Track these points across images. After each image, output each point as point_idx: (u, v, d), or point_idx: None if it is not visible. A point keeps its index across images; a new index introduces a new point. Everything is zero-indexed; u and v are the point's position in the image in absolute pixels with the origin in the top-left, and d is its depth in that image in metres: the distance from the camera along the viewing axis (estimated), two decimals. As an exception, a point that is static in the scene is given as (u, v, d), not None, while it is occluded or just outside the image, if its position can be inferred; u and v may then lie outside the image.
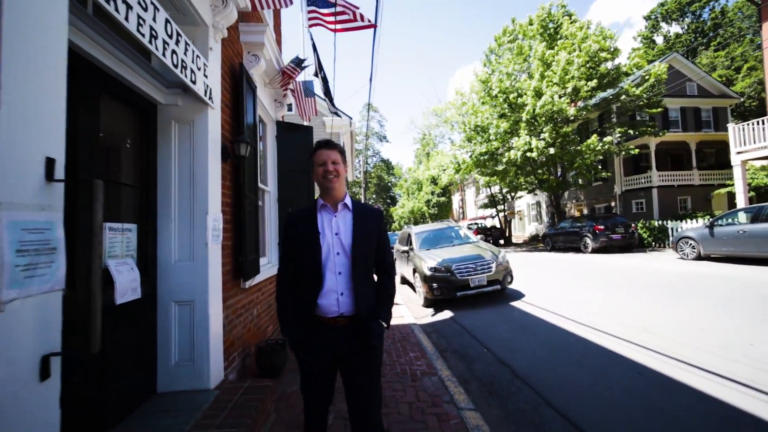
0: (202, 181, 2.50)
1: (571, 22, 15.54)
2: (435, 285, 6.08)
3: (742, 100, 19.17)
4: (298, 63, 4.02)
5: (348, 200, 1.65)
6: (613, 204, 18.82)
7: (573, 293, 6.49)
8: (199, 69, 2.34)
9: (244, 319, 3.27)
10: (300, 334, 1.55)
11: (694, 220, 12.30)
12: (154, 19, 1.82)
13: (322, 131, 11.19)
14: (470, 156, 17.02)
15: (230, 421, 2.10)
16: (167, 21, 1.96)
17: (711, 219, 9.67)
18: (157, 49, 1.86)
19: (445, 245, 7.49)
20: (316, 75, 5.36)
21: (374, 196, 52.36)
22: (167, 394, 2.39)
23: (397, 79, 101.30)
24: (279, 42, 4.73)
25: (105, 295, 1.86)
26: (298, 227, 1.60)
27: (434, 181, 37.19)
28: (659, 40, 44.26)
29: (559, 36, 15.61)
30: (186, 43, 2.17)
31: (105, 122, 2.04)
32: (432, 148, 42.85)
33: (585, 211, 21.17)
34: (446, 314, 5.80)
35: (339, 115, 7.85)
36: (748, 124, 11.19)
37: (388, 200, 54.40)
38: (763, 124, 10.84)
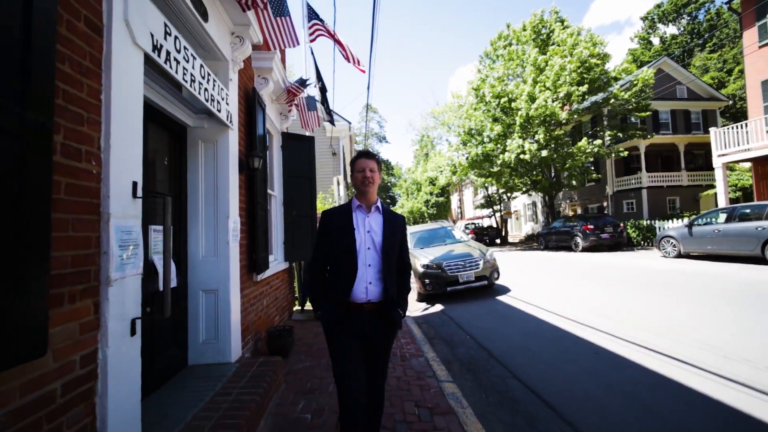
0: (223, 191, 3.01)
1: (563, 28, 16.04)
2: (427, 281, 6.59)
3: (731, 102, 19.65)
4: (302, 83, 4.54)
5: (380, 204, 1.87)
6: (605, 204, 19.34)
7: (555, 288, 7.00)
8: (222, 99, 2.86)
9: (256, 307, 3.78)
10: (334, 314, 1.75)
11: (680, 220, 12.80)
12: (193, 67, 2.33)
13: (323, 135, 11.71)
14: (466, 158, 17.54)
15: (250, 386, 2.61)
16: (201, 66, 2.47)
17: (690, 219, 10.18)
18: (194, 89, 2.37)
19: (437, 244, 7.99)
20: (315, 87, 5.88)
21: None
22: (197, 366, 2.90)
23: (396, 80, 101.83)
24: (283, 60, 5.24)
25: (150, 283, 2.36)
26: (334, 222, 1.82)
27: (432, 182, 37.66)
28: (656, 41, 44.71)
29: (551, 42, 16.11)
30: (214, 80, 2.68)
31: (150, 145, 2.55)
32: (430, 149, 43.33)
33: (579, 211, 21.69)
34: (437, 308, 6.31)
35: (334, 124, 8.32)
36: (729, 128, 11.70)
37: (388, 200, 54.93)
38: (744, 127, 11.34)
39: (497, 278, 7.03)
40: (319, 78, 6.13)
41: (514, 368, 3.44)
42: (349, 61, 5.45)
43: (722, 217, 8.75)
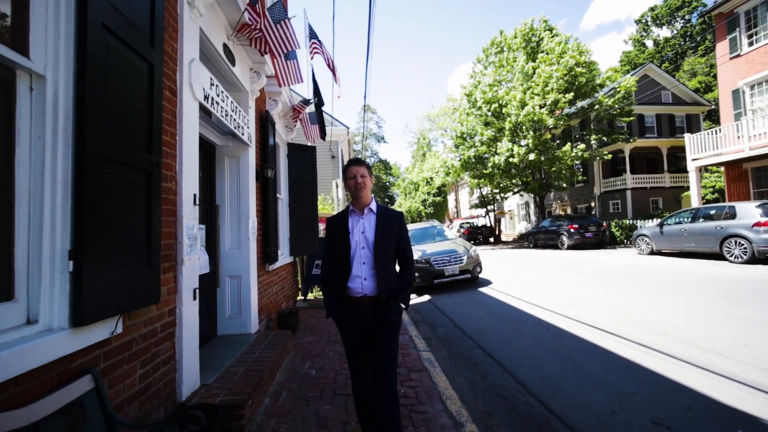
0: (244, 196, 3.76)
1: (552, 36, 16.80)
2: (416, 274, 7.36)
3: (714, 107, 20.44)
4: (305, 102, 5.29)
5: (373, 205, 2.03)
6: (592, 204, 20.16)
7: (531, 281, 7.78)
8: (245, 124, 3.61)
9: (268, 293, 4.54)
10: (334, 307, 1.98)
11: (657, 220, 13.60)
12: (226, 104, 3.08)
13: (323, 139, 12.43)
14: (459, 160, 18.32)
15: (268, 348, 3.37)
16: (231, 102, 3.22)
17: (661, 219, 10.98)
18: (227, 121, 3.12)
19: (428, 241, 8.76)
20: (313, 101, 6.61)
21: (372, 195, 53.52)
22: (224, 335, 3.66)
23: (396, 80, 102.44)
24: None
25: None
26: (334, 227, 2.04)
27: (429, 182, 38.41)
28: (650, 43, 45.47)
29: (540, 49, 16.88)
30: (239, 110, 3.43)
31: (191, 162, 3.30)
32: (427, 150, 44.07)
33: (569, 211, 22.50)
34: (425, 297, 7.07)
35: (324, 139, 9.03)
36: (702, 134, 12.49)
37: (386, 199, 55.68)
38: (717, 133, 12.13)
39: (479, 272, 7.80)
40: (317, 93, 6.87)
41: (480, 341, 4.21)
42: (336, 82, 6.15)
43: (689, 217, 9.54)
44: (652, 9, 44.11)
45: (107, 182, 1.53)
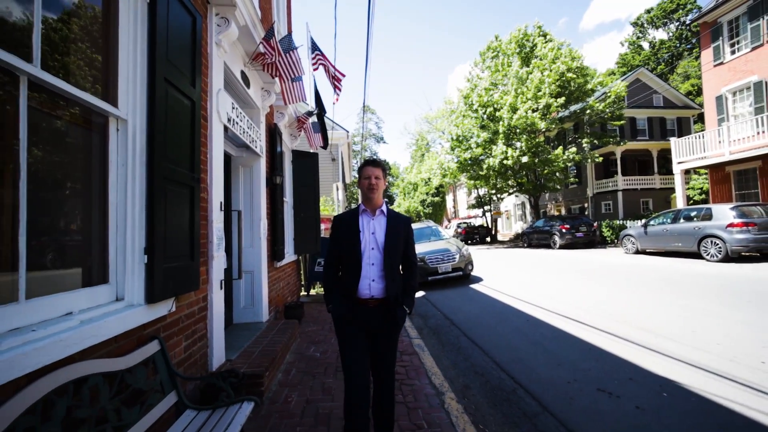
0: (257, 201, 4.26)
1: (546, 42, 17.31)
2: (412, 272, 7.86)
3: (703, 110, 20.95)
4: (309, 114, 5.79)
5: (384, 207, 2.00)
6: (586, 205, 20.69)
7: (519, 277, 8.29)
8: (257, 137, 4.10)
9: (276, 287, 5.03)
10: (342, 308, 1.93)
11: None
12: (243, 123, 3.58)
13: (324, 148, 12.92)
14: (456, 162, 18.84)
15: (278, 334, 3.86)
16: (248, 120, 3.71)
17: (645, 220, 11.50)
18: (245, 137, 3.61)
19: (423, 241, 9.25)
20: (314, 111, 7.08)
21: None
22: (239, 323, 4.15)
23: (395, 80, 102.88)
24: (293, 91, 6.47)
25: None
26: (342, 225, 2.00)
27: (427, 183, 38.88)
28: (646, 45, 45.98)
29: (534, 55, 17.39)
30: (253, 126, 3.92)
31: (211, 172, 3.79)
32: (426, 151, 44.56)
33: (563, 211, 23.03)
34: (420, 294, 7.57)
35: (326, 147, 9.49)
36: (687, 138, 13.01)
37: (386, 199, 55.89)
38: (701, 137, 12.66)
39: (471, 270, 8.31)
40: (319, 103, 7.35)
41: (466, 330, 4.72)
42: (336, 90, 6.61)
43: (670, 218, 10.07)
44: (647, 11, 44.60)
45: (167, 196, 2.03)
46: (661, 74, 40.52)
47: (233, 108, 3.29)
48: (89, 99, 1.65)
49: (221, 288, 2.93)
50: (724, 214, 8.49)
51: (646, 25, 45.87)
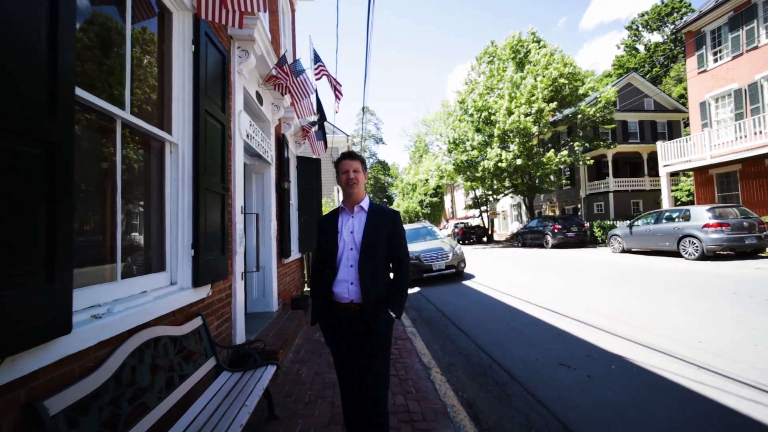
0: (267, 205, 4.79)
1: (539, 48, 17.88)
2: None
3: (694, 113, 21.56)
4: (313, 124, 6.32)
5: (365, 203, 1.87)
6: (579, 206, 21.27)
7: (508, 274, 8.84)
8: (269, 148, 4.63)
9: (283, 281, 5.56)
10: (318, 313, 1.85)
11: (635, 221, 14.70)
12: (257, 136, 4.10)
13: (325, 152, 13.46)
14: (452, 164, 19.40)
15: (287, 321, 4.39)
16: (261, 133, 4.24)
17: (631, 220, 12.06)
18: (259, 149, 4.14)
19: (419, 240, 9.79)
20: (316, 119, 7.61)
21: (371, 196, 54.67)
22: (253, 312, 4.68)
23: (395, 80, 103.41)
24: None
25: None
26: (323, 227, 1.91)
27: (425, 183, 39.41)
28: (641, 48, 46.62)
29: (528, 60, 17.96)
30: (265, 139, 4.45)
31: (229, 179, 4.32)
32: (424, 153, 45.13)
33: (557, 212, 23.60)
34: (415, 289, 8.11)
35: (326, 150, 10.04)
36: (673, 142, 13.58)
37: (385, 200, 56.71)
38: (686, 141, 13.22)
39: (464, 267, 8.85)
40: (320, 111, 7.88)
41: (454, 320, 5.26)
42: (337, 99, 7.15)
43: (653, 218, 10.63)
44: (642, 15, 45.23)
45: (207, 203, 2.55)
46: (656, 77, 41.17)
47: (250, 124, 3.82)
48: (155, 130, 2.18)
49: (242, 279, 3.45)
50: (701, 215, 9.05)
51: (640, 29, 46.51)
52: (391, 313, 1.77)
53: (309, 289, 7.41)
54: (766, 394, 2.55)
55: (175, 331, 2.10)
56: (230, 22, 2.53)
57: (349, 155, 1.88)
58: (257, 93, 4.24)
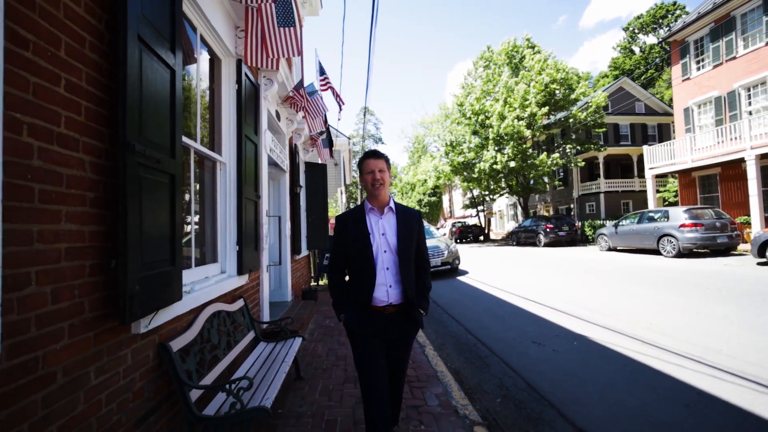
0: (283, 207, 5.44)
1: (534, 54, 18.55)
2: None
3: (683, 117, 22.29)
4: (320, 133, 6.98)
5: (392, 203, 1.84)
6: (572, 206, 22.00)
7: (499, 270, 9.52)
8: (284, 157, 5.28)
9: (295, 275, 6.22)
10: (358, 320, 1.79)
11: (623, 221, 15.40)
12: (277, 149, 4.75)
13: (331, 157, 14.12)
14: (449, 165, 20.09)
15: (301, 309, 5.06)
16: (279, 146, 4.89)
17: (616, 220, 12.77)
18: (277, 160, 4.79)
19: (417, 239, 10.46)
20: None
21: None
22: (271, 302, 5.32)
23: (394, 80, 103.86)
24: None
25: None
26: (348, 227, 1.82)
27: (424, 183, 40.06)
28: (636, 49, 47.34)
29: (523, 66, 18.63)
30: (283, 150, 5.10)
31: (251, 185, 4.98)
32: (422, 154, 45.75)
33: (551, 212, 24.32)
34: (413, 284, 8.79)
35: (332, 156, 10.67)
36: (659, 146, 14.29)
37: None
38: (671, 145, 13.92)
39: (458, 264, 9.54)
40: (325, 122, 8.53)
41: (447, 309, 5.93)
42: (340, 109, 7.78)
43: (636, 219, 11.33)
44: (638, 18, 45.93)
45: (246, 209, 3.21)
46: (651, 78, 41.88)
47: (272, 140, 4.47)
48: (212, 154, 2.84)
49: (267, 270, 4.12)
50: (678, 215, 9.75)
51: (636, 31, 47.20)
52: (422, 311, 1.85)
53: (314, 283, 8.02)
54: (692, 361, 3.24)
55: (229, 308, 2.77)
56: (269, 65, 3.17)
57: (374, 154, 1.83)
58: (276, 112, 4.89)
